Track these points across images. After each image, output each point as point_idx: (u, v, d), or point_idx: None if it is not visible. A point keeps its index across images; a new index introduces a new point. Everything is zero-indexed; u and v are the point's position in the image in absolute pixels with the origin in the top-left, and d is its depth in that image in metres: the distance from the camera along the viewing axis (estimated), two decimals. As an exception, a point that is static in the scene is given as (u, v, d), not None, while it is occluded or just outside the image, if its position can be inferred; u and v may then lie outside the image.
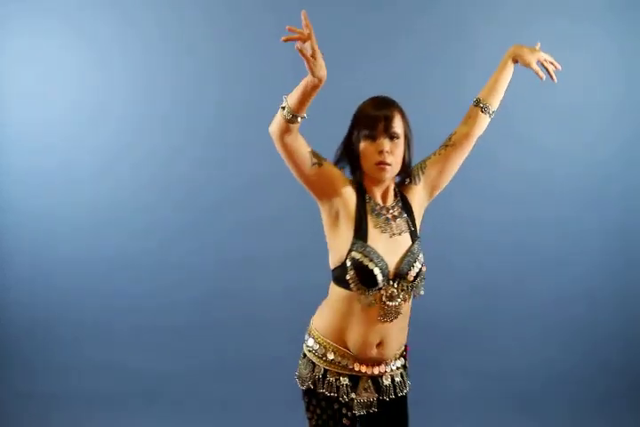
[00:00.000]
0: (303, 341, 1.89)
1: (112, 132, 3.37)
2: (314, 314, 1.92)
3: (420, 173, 1.86)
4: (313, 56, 1.57)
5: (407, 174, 1.85)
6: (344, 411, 1.84)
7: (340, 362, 1.82)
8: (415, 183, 1.86)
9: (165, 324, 3.39)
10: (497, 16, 3.20)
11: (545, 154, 3.25)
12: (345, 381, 1.83)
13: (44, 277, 3.43)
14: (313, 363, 1.85)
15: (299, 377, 1.88)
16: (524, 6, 3.17)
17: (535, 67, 1.97)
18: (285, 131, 1.65)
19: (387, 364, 1.85)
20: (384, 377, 1.86)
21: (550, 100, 3.20)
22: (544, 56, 2.00)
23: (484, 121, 1.92)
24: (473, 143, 1.92)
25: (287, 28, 1.56)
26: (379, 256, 1.74)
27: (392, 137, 1.76)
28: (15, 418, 3.19)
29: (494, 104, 1.94)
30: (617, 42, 3.23)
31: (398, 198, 1.85)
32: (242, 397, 3.28)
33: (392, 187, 1.84)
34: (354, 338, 1.80)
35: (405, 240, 1.80)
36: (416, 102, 3.11)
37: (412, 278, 1.78)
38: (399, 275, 1.77)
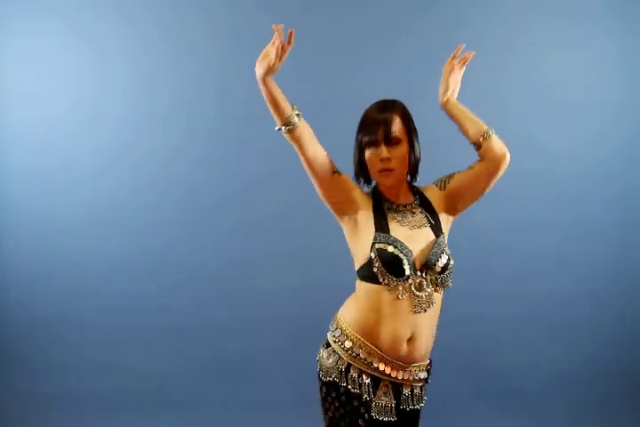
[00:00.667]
0: (329, 329, 1.87)
1: (112, 132, 3.36)
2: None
3: (448, 180, 1.86)
4: (279, 57, 1.72)
5: (416, 173, 1.86)
6: (362, 410, 1.81)
7: (365, 359, 1.80)
8: (440, 188, 1.87)
9: (165, 324, 3.39)
10: (497, 16, 3.20)
11: (545, 154, 3.25)
12: (367, 380, 1.81)
13: (44, 278, 3.43)
14: (338, 354, 1.82)
15: (322, 368, 1.85)
16: (525, 6, 3.17)
17: (458, 72, 2.04)
18: (299, 143, 1.76)
19: (410, 372, 1.83)
20: (404, 386, 1.83)
21: (550, 100, 3.20)
22: (452, 63, 2.01)
23: (494, 145, 1.82)
24: (502, 166, 1.84)
25: (273, 26, 1.68)
26: (402, 244, 1.76)
27: (392, 142, 1.77)
28: (15, 418, 3.19)
29: (481, 128, 1.82)
30: (617, 41, 3.22)
31: (416, 197, 1.86)
32: (242, 397, 3.28)
33: (405, 186, 1.86)
34: (385, 332, 1.78)
35: (427, 233, 1.81)
36: (416, 102, 3.12)
37: (439, 270, 1.78)
38: (427, 265, 1.78)
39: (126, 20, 3.27)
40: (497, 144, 1.82)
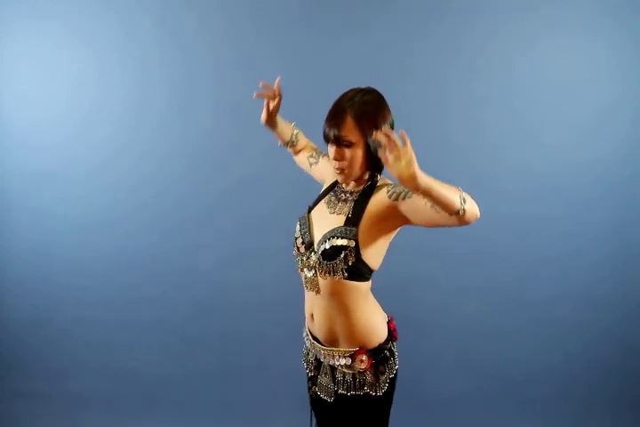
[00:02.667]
0: None
1: (110, 132, 3.36)
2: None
3: (404, 196, 1.66)
4: (272, 112, 2.07)
5: (377, 170, 1.82)
6: (309, 384, 2.01)
7: (305, 336, 2.00)
8: (390, 198, 1.71)
9: (165, 324, 3.39)
10: (501, 19, 3.20)
11: (545, 152, 3.24)
12: (312, 358, 1.98)
13: (44, 276, 3.43)
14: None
15: None
16: (527, 8, 3.17)
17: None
18: (294, 151, 2.24)
19: (332, 356, 1.88)
20: (337, 371, 1.88)
21: (554, 98, 3.20)
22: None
23: (469, 216, 1.53)
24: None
25: (261, 84, 2.02)
26: (307, 225, 1.88)
27: (344, 145, 1.74)
28: (15, 418, 3.19)
29: (454, 208, 1.49)
30: (614, 48, 3.23)
31: (362, 189, 1.83)
32: (242, 398, 3.28)
33: (362, 178, 1.84)
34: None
35: (338, 221, 1.80)
36: (417, 102, 3.13)
37: (320, 254, 1.79)
38: (312, 247, 1.85)
39: (124, 21, 3.27)
40: (471, 214, 1.52)
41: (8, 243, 3.45)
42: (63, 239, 3.41)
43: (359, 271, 1.78)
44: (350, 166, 1.76)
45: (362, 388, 1.85)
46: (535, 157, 3.22)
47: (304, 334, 2.02)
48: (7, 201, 3.43)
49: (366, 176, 1.83)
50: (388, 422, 1.95)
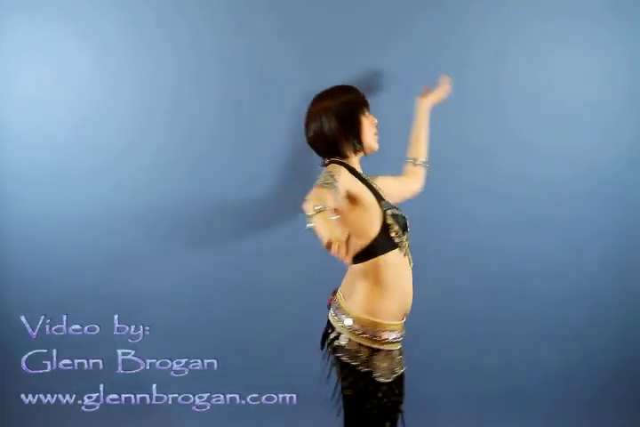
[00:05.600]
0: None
1: (112, 133, 3.35)
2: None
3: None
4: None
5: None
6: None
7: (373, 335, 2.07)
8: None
9: (165, 325, 3.38)
10: (496, 14, 3.19)
11: (545, 155, 3.23)
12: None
13: (44, 278, 3.42)
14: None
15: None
16: (524, 4, 3.16)
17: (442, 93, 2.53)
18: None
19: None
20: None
21: (551, 100, 3.19)
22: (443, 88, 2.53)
23: (421, 175, 2.47)
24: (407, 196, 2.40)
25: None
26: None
27: None
28: (15, 419, 3.19)
29: (424, 154, 2.43)
30: (620, 40, 3.21)
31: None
32: (242, 398, 3.27)
33: None
34: (399, 291, 2.03)
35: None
36: (411, 95, 3.11)
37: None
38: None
39: (128, 17, 3.23)
40: (423, 177, 2.40)
41: (7, 244, 3.44)
42: (64, 240, 3.39)
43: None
44: None
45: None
46: (539, 161, 3.21)
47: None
48: (7, 201, 3.42)
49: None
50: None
